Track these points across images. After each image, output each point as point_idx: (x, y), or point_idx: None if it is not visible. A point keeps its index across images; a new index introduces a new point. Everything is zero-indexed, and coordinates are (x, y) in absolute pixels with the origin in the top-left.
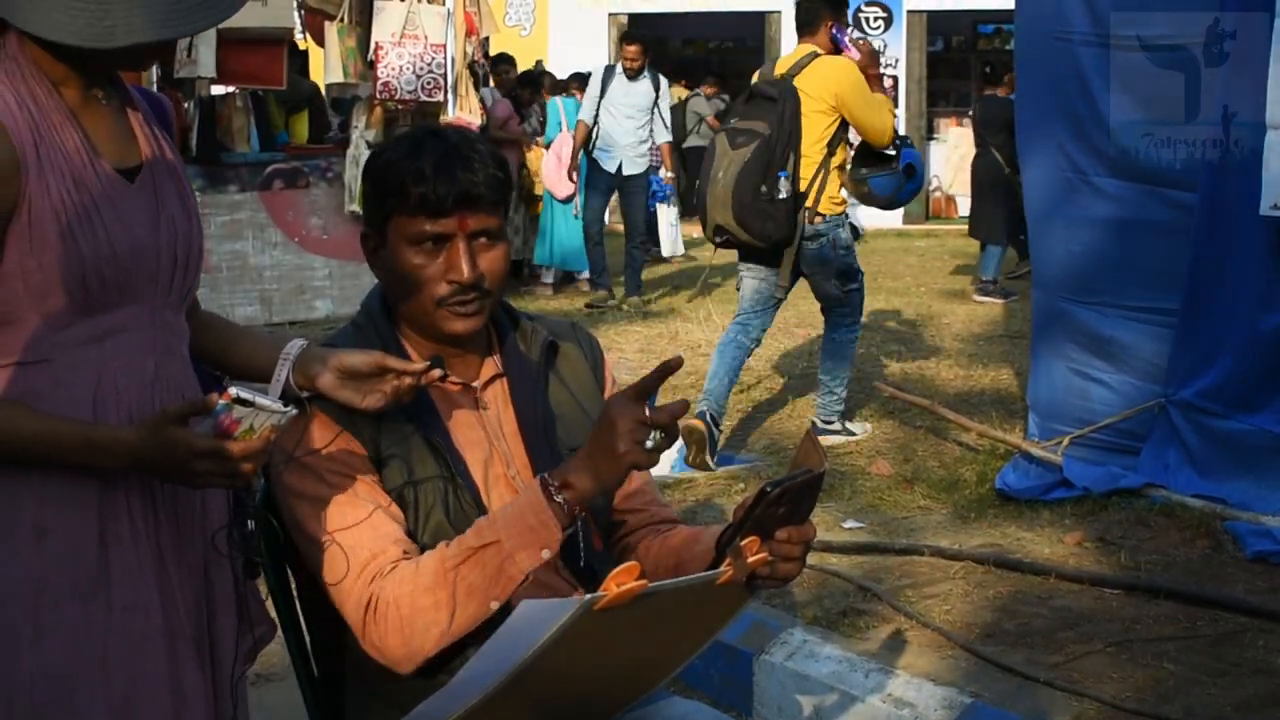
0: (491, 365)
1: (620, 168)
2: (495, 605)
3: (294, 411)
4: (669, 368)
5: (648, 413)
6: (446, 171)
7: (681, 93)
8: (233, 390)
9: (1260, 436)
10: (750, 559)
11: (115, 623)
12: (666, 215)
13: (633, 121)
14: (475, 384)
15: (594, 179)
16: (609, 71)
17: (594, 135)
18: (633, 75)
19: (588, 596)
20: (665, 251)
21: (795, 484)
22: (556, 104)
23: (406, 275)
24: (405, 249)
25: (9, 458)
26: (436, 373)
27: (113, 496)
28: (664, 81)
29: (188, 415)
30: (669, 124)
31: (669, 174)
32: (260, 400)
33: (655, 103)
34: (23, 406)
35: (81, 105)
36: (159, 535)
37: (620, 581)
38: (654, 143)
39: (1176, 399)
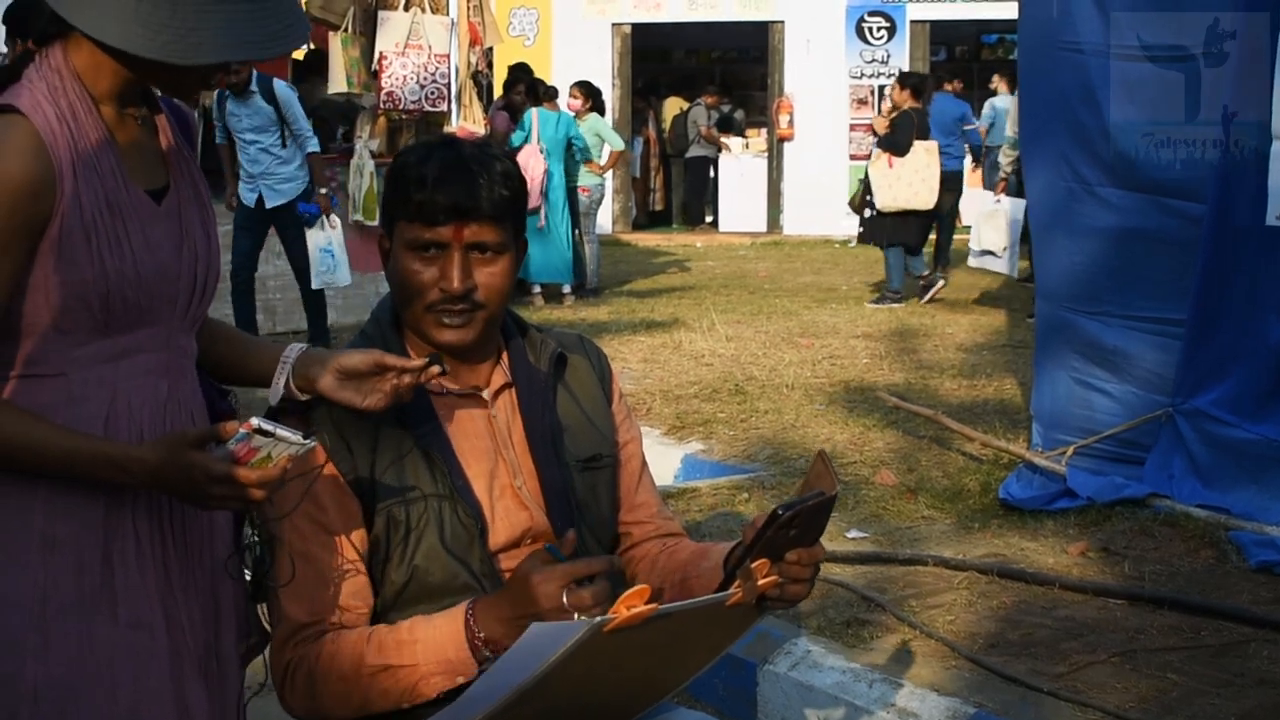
0: (500, 375)
1: (261, 200)
2: (408, 705)
3: (313, 444)
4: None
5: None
6: (447, 181)
7: (682, 104)
8: (254, 421)
9: (1266, 446)
10: (760, 581)
11: (120, 639)
12: (314, 240)
13: (255, 145)
14: (484, 392)
15: (237, 217)
16: (222, 93)
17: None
18: (239, 90)
19: (597, 619)
20: (315, 284)
21: (807, 506)
22: (531, 114)
23: (404, 279)
24: (405, 253)
25: (23, 466)
26: (435, 369)
27: (119, 515)
28: (280, 87)
29: (206, 441)
30: (308, 131)
31: (321, 190)
32: (280, 431)
33: (279, 117)
34: (40, 417)
35: (117, 124)
36: (165, 557)
37: (630, 604)
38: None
39: (1185, 408)
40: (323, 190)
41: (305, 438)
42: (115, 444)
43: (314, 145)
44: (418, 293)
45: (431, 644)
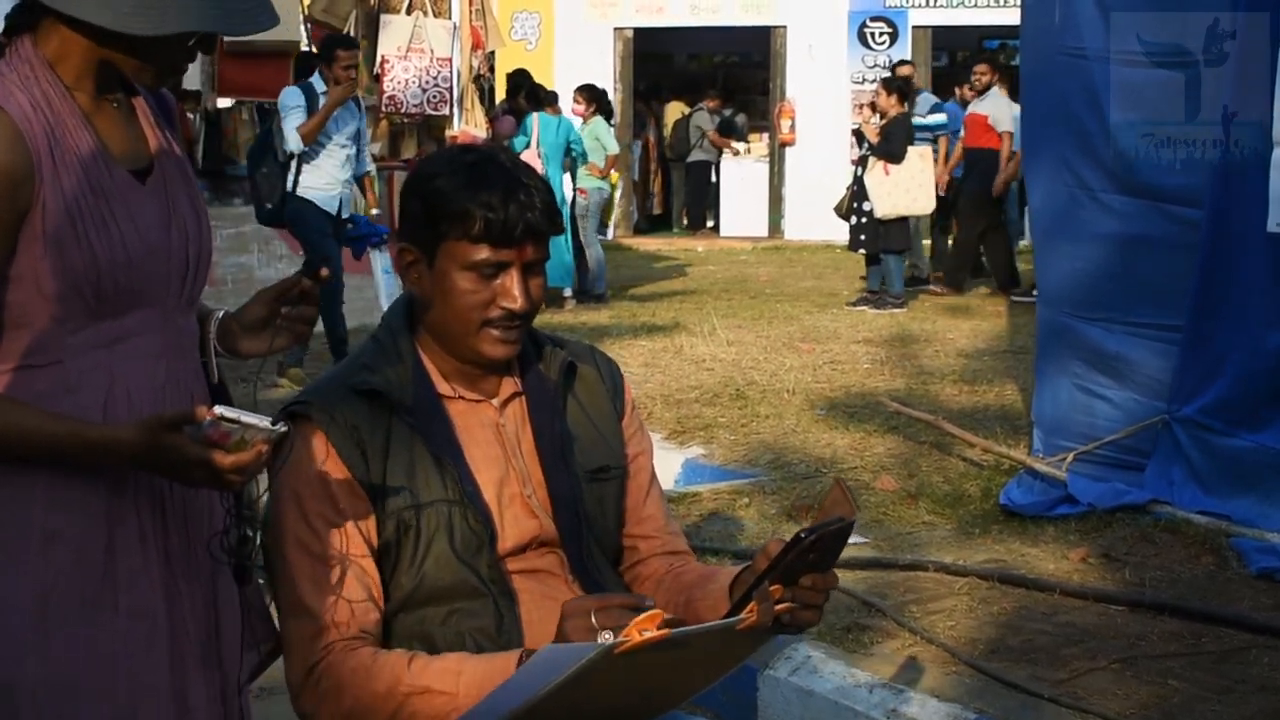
0: (511, 383)
1: (340, 209)
2: None
3: (283, 429)
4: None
5: (595, 609)
6: (515, 202)
7: (683, 108)
8: (217, 409)
9: (1264, 454)
10: (776, 606)
11: (121, 629)
12: (380, 262)
13: (345, 150)
14: (494, 400)
15: (316, 226)
16: (310, 87)
17: (296, 170)
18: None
19: (609, 642)
20: (384, 303)
21: (829, 531)
22: (532, 119)
23: (455, 299)
24: (458, 273)
25: (13, 455)
26: (308, 283)
27: (121, 502)
28: (359, 103)
29: (180, 423)
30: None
31: (375, 210)
32: (246, 419)
33: (360, 125)
34: (27, 405)
35: (94, 109)
36: (167, 541)
37: (643, 628)
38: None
39: (1180, 415)
40: (375, 210)
41: (274, 424)
42: (96, 427)
43: (370, 166)
44: (474, 310)
45: (476, 677)
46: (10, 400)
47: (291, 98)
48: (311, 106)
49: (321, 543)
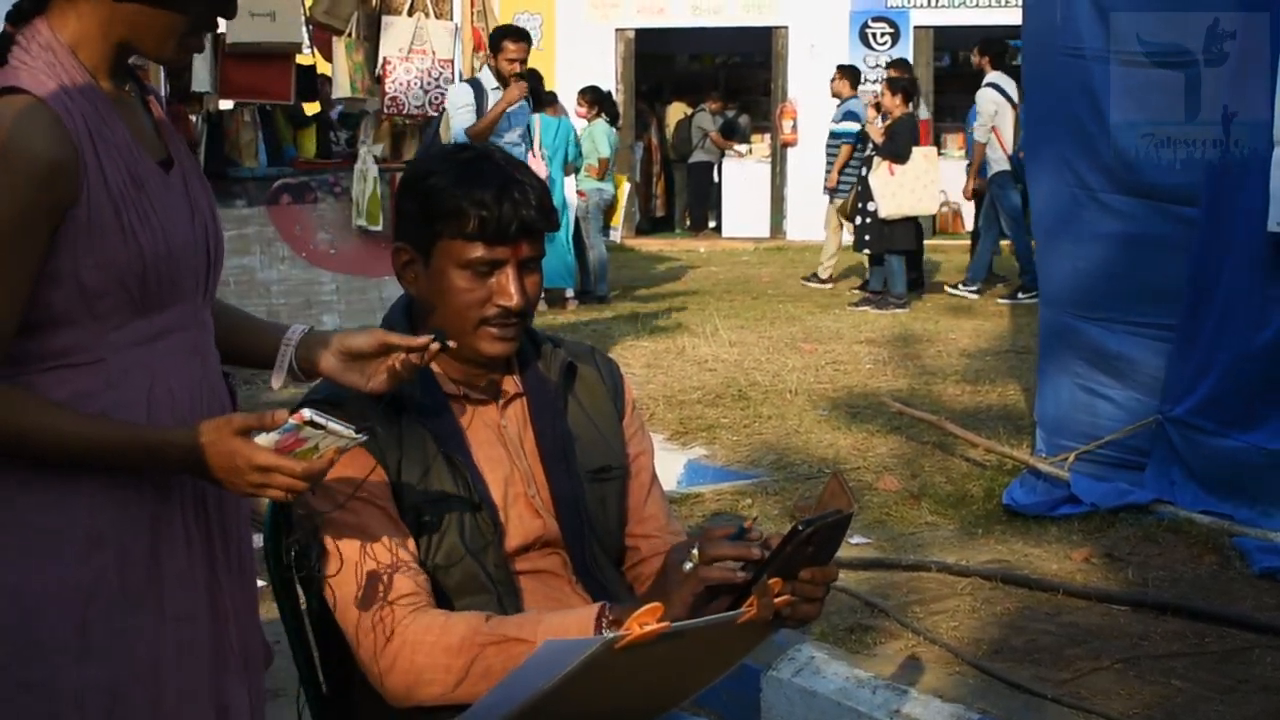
0: (511, 383)
1: None
2: None
3: (364, 438)
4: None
5: (699, 542)
6: (509, 200)
7: (685, 109)
8: (306, 412)
9: (1257, 454)
10: (776, 599)
11: (166, 633)
12: None
13: (518, 150)
14: (497, 401)
15: None
16: (477, 84)
17: None
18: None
19: (609, 635)
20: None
21: (826, 523)
22: (534, 120)
23: (452, 297)
24: (454, 271)
25: (54, 460)
26: (437, 346)
27: (166, 506)
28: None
29: (252, 428)
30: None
31: None
32: (332, 425)
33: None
34: (67, 408)
35: (115, 97)
36: (210, 546)
37: (643, 622)
38: None
39: (1171, 415)
40: None
41: (357, 432)
42: (149, 429)
43: None
44: (470, 308)
45: (554, 627)
46: (48, 403)
47: (460, 95)
48: (480, 104)
49: (358, 520)
